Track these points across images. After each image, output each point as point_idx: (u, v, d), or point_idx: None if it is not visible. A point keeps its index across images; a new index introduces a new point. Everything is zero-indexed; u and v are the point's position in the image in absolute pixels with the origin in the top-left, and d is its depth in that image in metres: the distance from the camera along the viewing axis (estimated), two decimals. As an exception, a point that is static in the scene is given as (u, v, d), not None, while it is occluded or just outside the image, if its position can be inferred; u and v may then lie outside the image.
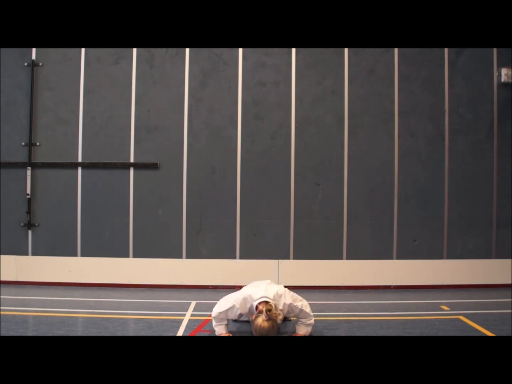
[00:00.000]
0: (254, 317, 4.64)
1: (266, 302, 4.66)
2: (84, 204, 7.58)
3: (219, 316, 4.84)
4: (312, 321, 4.91)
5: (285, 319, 5.42)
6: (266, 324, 4.53)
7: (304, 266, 7.49)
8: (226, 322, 4.90)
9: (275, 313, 4.59)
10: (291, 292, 4.92)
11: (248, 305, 4.75)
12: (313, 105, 7.64)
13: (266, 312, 4.54)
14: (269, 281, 5.21)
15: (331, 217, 7.59)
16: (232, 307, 4.78)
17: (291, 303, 4.79)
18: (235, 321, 5.34)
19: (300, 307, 4.81)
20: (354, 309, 6.36)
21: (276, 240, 7.56)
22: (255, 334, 4.64)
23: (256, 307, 4.69)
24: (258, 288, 4.87)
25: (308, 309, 4.87)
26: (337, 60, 7.64)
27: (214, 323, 4.90)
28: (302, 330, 4.92)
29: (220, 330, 4.86)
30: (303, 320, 4.91)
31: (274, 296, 4.74)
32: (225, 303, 4.85)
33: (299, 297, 4.91)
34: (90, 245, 7.56)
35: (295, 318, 5.05)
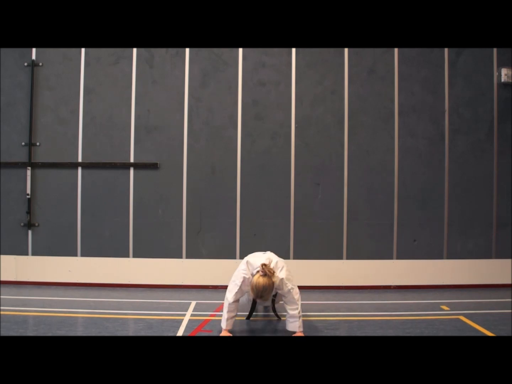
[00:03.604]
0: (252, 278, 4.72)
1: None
2: (84, 204, 7.58)
3: (236, 296, 4.86)
4: (297, 311, 4.87)
5: (278, 318, 5.44)
6: (261, 279, 4.62)
7: (304, 266, 7.49)
8: (235, 313, 4.94)
9: (271, 269, 4.69)
10: (290, 271, 4.96)
11: (250, 273, 4.84)
12: (313, 105, 7.64)
13: (262, 266, 4.64)
14: (269, 252, 5.26)
15: (331, 217, 7.59)
16: (244, 280, 4.85)
17: (283, 279, 4.82)
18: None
19: (289, 287, 4.84)
20: (354, 309, 6.36)
21: (276, 240, 7.56)
22: (252, 293, 4.72)
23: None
24: (259, 258, 4.95)
25: (296, 296, 4.87)
26: (337, 60, 7.64)
27: (226, 315, 4.90)
28: (290, 327, 4.91)
29: (228, 324, 4.89)
30: (288, 308, 4.89)
31: (273, 266, 4.83)
32: (235, 283, 4.91)
33: (294, 281, 4.94)
34: (90, 245, 7.56)
35: (284, 318, 5.05)
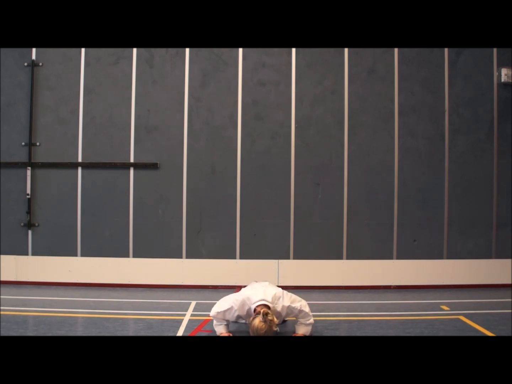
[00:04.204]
0: (251, 318, 4.64)
1: (265, 305, 4.67)
2: (84, 204, 7.58)
3: (217, 316, 4.86)
4: (311, 320, 4.90)
5: (284, 321, 5.43)
6: (263, 325, 4.51)
7: (304, 266, 7.49)
8: (225, 323, 4.91)
9: (272, 318, 4.59)
10: (289, 294, 4.93)
11: (246, 308, 4.76)
12: (313, 105, 7.63)
13: (263, 315, 4.54)
14: (267, 283, 5.23)
15: (331, 217, 7.59)
16: (230, 309, 4.80)
17: (289, 305, 4.79)
18: (234, 322, 5.36)
19: (299, 307, 4.81)
20: (354, 309, 6.36)
21: (276, 240, 7.56)
22: (252, 334, 4.64)
23: (254, 309, 4.69)
24: (257, 291, 4.87)
25: (307, 309, 4.86)
26: (337, 60, 7.64)
27: (214, 322, 4.93)
28: (302, 330, 4.91)
29: (220, 329, 4.88)
30: (302, 320, 4.90)
31: (272, 298, 4.75)
32: (223, 304, 4.86)
33: (297, 298, 4.91)
34: (90, 245, 7.56)
35: (294, 318, 5.04)
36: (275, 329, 4.69)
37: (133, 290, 7.34)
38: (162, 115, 7.60)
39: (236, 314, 4.80)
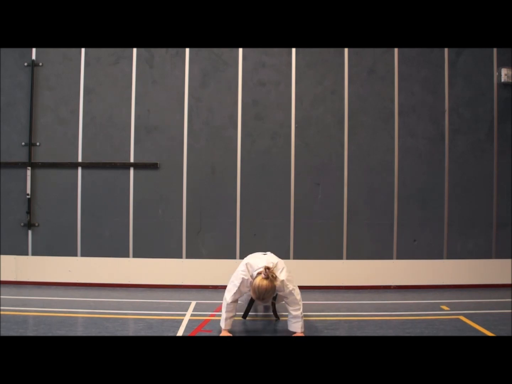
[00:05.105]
0: (253, 279, 4.72)
1: None
2: (84, 204, 7.58)
3: (234, 297, 4.87)
4: (300, 312, 4.89)
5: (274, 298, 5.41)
6: (264, 282, 4.60)
7: (304, 266, 7.49)
8: (234, 313, 4.94)
9: (273, 272, 4.67)
10: (290, 272, 4.96)
11: (250, 274, 4.84)
12: (313, 105, 7.64)
13: (265, 269, 4.63)
14: (269, 252, 5.30)
15: (331, 217, 7.59)
16: (242, 281, 4.85)
17: (283, 280, 4.81)
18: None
19: (290, 289, 4.84)
20: (354, 309, 6.36)
21: (276, 240, 7.56)
22: (253, 295, 4.72)
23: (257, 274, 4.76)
24: (259, 259, 4.96)
25: (298, 297, 4.88)
26: (337, 60, 7.64)
27: (224, 314, 4.91)
28: (293, 327, 4.91)
29: (226, 324, 4.89)
30: (290, 308, 4.90)
31: (273, 266, 4.82)
32: (234, 283, 4.91)
33: (294, 282, 4.95)
34: (90, 245, 7.56)
35: (284, 318, 5.04)
36: (277, 283, 4.72)
37: (133, 290, 7.34)
38: (162, 115, 7.60)
39: (248, 282, 4.85)
